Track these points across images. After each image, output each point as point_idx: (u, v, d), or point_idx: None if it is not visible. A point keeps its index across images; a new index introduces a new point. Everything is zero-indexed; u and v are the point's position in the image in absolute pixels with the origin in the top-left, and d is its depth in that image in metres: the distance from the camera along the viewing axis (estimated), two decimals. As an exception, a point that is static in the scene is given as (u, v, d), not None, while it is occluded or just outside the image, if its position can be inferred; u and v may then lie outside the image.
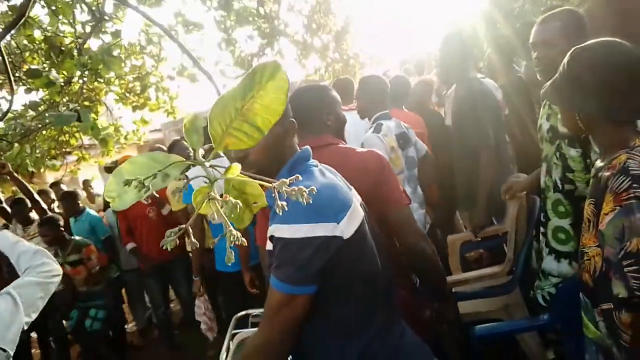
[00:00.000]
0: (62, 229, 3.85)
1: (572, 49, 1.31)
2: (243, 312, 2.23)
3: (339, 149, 1.74)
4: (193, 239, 0.47)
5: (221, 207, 0.48)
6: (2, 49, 3.25)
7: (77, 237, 3.97)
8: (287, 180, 0.54)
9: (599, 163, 1.33)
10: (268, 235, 1.13)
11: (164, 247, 0.46)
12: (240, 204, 0.47)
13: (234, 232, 0.47)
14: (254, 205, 0.66)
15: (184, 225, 0.46)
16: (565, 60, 1.32)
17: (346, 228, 1.12)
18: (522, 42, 3.28)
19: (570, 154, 1.89)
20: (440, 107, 4.81)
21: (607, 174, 1.21)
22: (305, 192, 0.53)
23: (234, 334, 2.02)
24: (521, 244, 2.54)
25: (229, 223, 0.48)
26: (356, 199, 1.29)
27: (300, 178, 0.61)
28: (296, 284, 1.08)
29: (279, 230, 1.09)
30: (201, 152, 0.63)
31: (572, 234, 1.91)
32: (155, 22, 4.40)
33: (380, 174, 1.66)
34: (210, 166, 0.57)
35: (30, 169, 4.82)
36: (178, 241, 0.48)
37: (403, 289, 1.68)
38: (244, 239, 0.51)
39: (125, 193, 0.51)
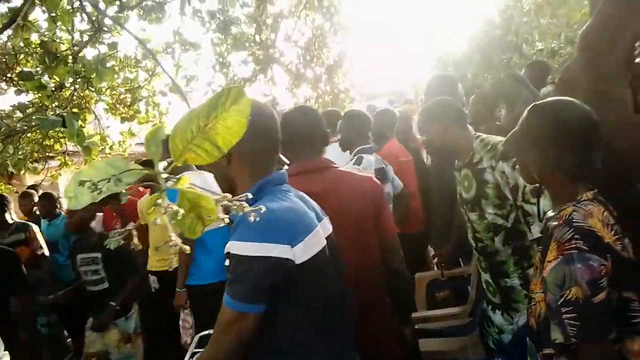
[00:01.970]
0: (4, 211, 3.86)
1: (531, 105, 1.40)
2: (206, 332, 2.22)
3: (337, 172, 1.84)
4: (136, 241, 0.51)
5: (166, 215, 0.53)
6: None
7: (17, 220, 3.99)
8: (232, 199, 0.59)
9: (549, 213, 1.40)
10: (225, 251, 1.17)
11: (107, 246, 0.50)
12: (182, 212, 0.52)
13: (177, 241, 0.51)
14: (207, 219, 0.70)
15: (129, 227, 0.51)
16: (524, 114, 1.40)
17: (301, 253, 1.16)
18: (504, 92, 3.42)
19: (472, 217, 2.05)
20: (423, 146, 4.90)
21: (554, 224, 1.28)
22: (252, 212, 0.58)
23: (194, 353, 2.01)
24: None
25: (171, 228, 0.52)
26: (323, 228, 1.33)
27: (249, 196, 0.66)
28: (245, 302, 1.11)
29: (233, 246, 1.13)
30: (164, 163, 0.68)
31: (495, 287, 2.02)
32: (141, 42, 4.47)
33: (379, 201, 1.85)
34: (167, 179, 0.61)
35: (11, 169, 4.78)
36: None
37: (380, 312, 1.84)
38: (186, 246, 0.55)
39: (81, 194, 0.55)
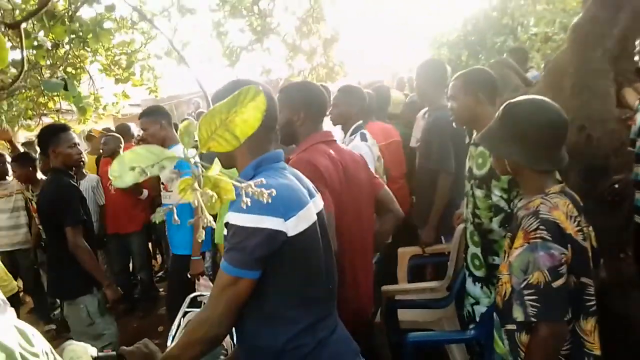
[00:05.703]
0: (34, 168, 4.08)
1: (506, 102, 1.51)
2: (197, 293, 2.36)
3: (338, 145, 2.01)
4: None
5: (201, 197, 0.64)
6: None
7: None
8: (253, 183, 0.70)
9: (519, 203, 1.53)
10: (224, 221, 1.28)
11: (153, 220, 0.62)
12: (216, 196, 0.63)
13: (208, 216, 0.63)
14: (224, 197, 0.82)
15: (171, 204, 0.62)
16: (500, 112, 1.51)
17: (293, 227, 1.27)
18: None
19: (477, 194, 2.13)
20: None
21: (522, 213, 1.42)
22: (265, 193, 0.70)
23: (186, 312, 2.15)
24: (461, 264, 2.75)
25: (204, 209, 0.64)
26: (315, 204, 1.44)
27: (264, 181, 0.77)
28: (241, 268, 1.23)
29: (232, 217, 1.24)
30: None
31: (483, 261, 2.16)
32: (139, 10, 4.45)
33: (368, 166, 2.11)
34: (195, 163, 0.73)
35: (5, 125, 4.80)
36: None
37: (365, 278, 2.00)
38: (213, 222, 0.67)
39: (126, 175, 0.66)
